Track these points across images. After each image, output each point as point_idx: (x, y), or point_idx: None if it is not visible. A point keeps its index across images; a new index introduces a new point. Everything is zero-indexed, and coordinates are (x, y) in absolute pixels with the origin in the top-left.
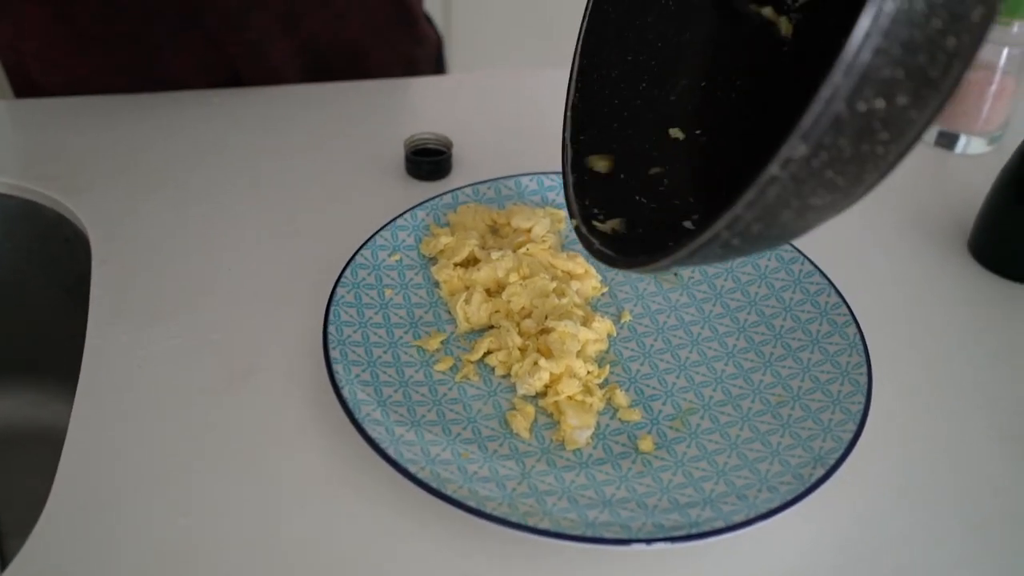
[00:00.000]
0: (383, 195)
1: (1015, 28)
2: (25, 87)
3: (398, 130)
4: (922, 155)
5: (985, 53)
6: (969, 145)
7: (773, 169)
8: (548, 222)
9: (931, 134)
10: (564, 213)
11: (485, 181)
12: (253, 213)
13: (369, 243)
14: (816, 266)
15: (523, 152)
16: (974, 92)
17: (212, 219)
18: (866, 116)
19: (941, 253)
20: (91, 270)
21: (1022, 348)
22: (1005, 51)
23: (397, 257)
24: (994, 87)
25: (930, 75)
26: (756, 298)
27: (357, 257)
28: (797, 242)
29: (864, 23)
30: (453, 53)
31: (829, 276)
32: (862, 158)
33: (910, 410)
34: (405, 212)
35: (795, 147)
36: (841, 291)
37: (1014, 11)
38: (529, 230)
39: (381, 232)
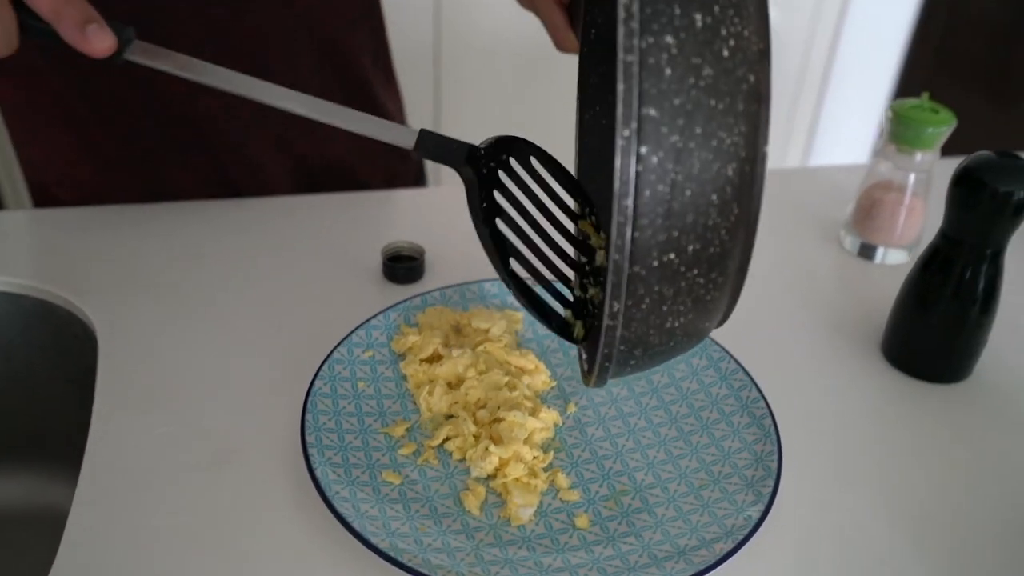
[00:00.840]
0: (362, 296)
1: (918, 157)
2: (44, 199)
3: (378, 237)
4: (845, 265)
5: (896, 177)
6: (887, 256)
7: (606, 320)
8: (505, 323)
9: (854, 245)
10: (520, 315)
11: (452, 286)
12: (243, 312)
13: (346, 341)
14: (740, 364)
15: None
16: (888, 210)
17: (206, 317)
18: (666, 265)
19: (857, 353)
20: (97, 363)
21: (920, 437)
22: (912, 176)
23: (370, 353)
24: (905, 206)
25: (708, 225)
26: (687, 392)
27: (335, 353)
28: (727, 344)
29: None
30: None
31: (753, 375)
32: (688, 290)
33: (817, 493)
34: (379, 313)
35: (612, 305)
36: (764, 388)
37: (915, 143)
38: (487, 330)
39: (357, 331)
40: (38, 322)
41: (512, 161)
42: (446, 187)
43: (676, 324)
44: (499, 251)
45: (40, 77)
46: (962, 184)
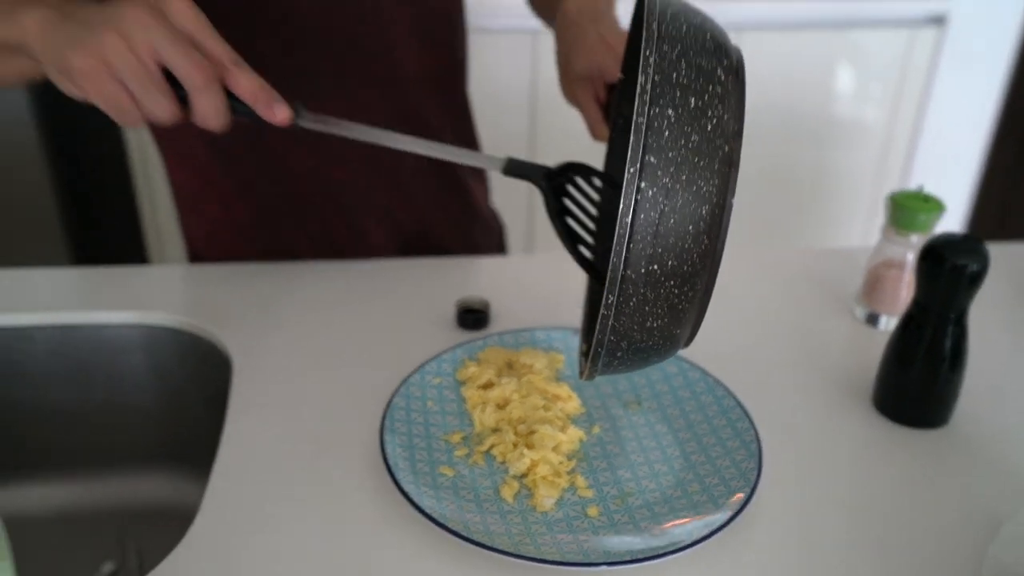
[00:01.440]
0: (437, 338)
1: (913, 239)
2: (195, 257)
3: (454, 293)
4: (854, 331)
5: (896, 256)
6: (889, 323)
7: (602, 310)
8: (547, 360)
9: (862, 314)
10: (562, 356)
11: (509, 331)
12: (344, 346)
13: (420, 369)
14: (741, 405)
15: (542, 312)
16: (890, 284)
17: (316, 350)
18: (651, 273)
19: (852, 403)
20: (231, 384)
21: (896, 472)
22: (909, 255)
23: (439, 380)
24: (905, 281)
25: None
26: (694, 423)
27: (411, 378)
28: (739, 392)
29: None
30: (533, 232)
31: (756, 414)
32: (666, 297)
33: (793, 506)
34: (448, 350)
35: (607, 297)
36: (764, 427)
37: (911, 226)
38: (532, 365)
39: (430, 362)
40: (188, 351)
41: (577, 178)
42: (511, 257)
43: (655, 325)
44: (570, 239)
45: (197, 160)
46: (927, 259)
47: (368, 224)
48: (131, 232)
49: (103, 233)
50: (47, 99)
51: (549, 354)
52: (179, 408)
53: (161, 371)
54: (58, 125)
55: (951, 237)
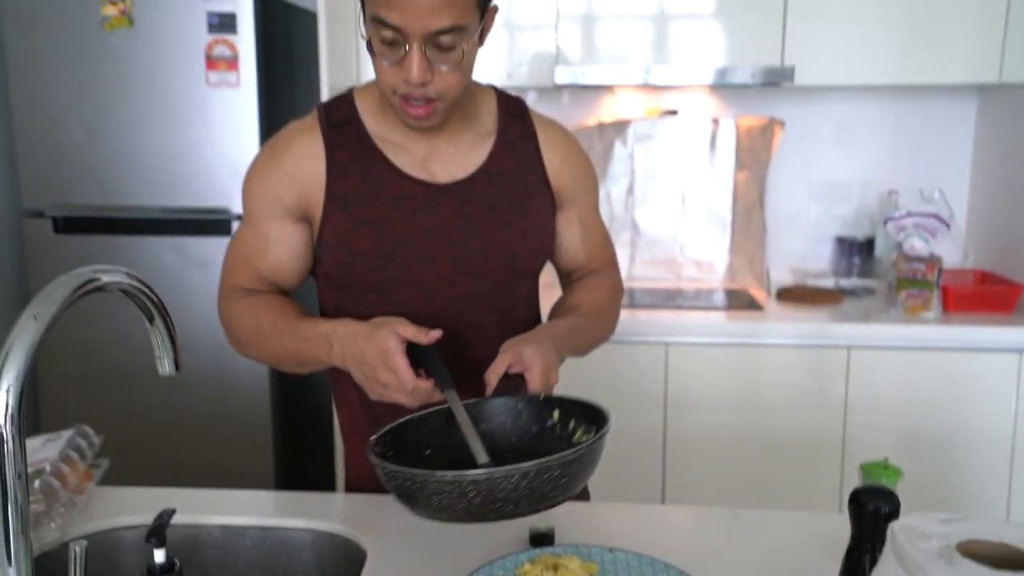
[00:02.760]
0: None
1: None
2: (351, 486)
3: (530, 522)
4: None
5: None
6: None
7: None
8: (579, 562)
9: None
10: (596, 565)
11: (560, 546)
12: (437, 550)
13: (489, 564)
14: None
15: (590, 536)
16: None
17: (428, 553)
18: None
19: None
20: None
21: None
22: None
23: (502, 573)
24: None
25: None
26: None
27: (480, 570)
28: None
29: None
30: None
31: None
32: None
33: None
34: (512, 554)
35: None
36: None
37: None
38: (569, 565)
39: (496, 561)
40: (329, 547)
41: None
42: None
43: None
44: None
45: (351, 403)
46: (851, 503)
47: None
48: (327, 462)
49: (304, 461)
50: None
51: (586, 563)
52: None
53: (320, 563)
54: (284, 382)
55: (870, 487)
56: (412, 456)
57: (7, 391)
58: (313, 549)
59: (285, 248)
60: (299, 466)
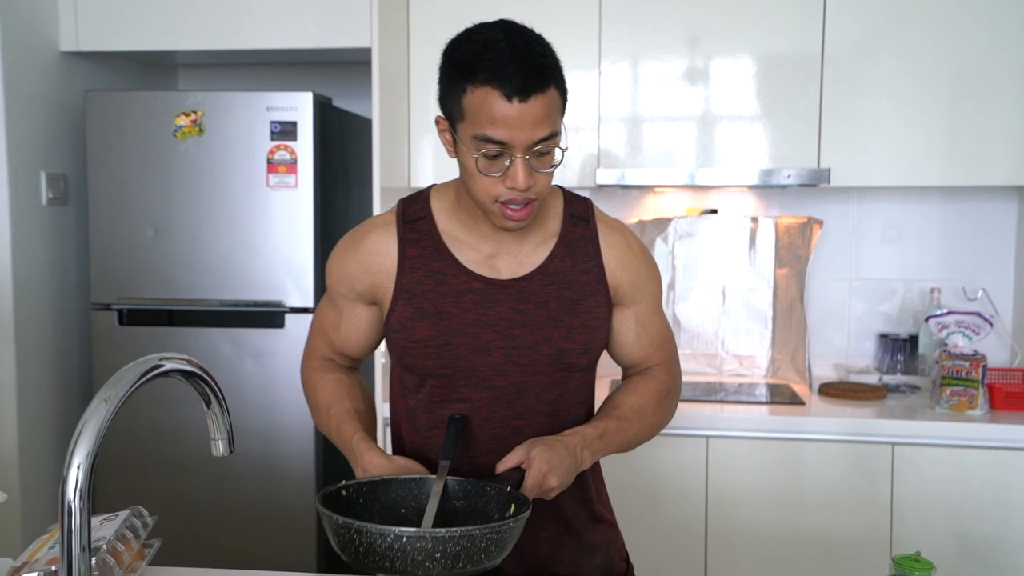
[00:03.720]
0: None
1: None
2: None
3: None
4: None
5: None
6: None
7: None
8: None
9: None
10: None
11: None
12: None
13: None
14: None
15: None
16: None
17: None
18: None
19: None
20: None
21: None
22: None
23: None
24: None
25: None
26: None
27: None
28: None
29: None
30: None
31: None
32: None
33: None
34: None
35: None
36: None
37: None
38: None
39: None
40: None
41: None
42: None
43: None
44: None
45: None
46: None
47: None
48: None
49: None
50: (328, 453)
51: None
52: None
53: None
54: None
55: None
56: (383, 511)
57: (78, 468)
58: None
59: (355, 326)
60: None
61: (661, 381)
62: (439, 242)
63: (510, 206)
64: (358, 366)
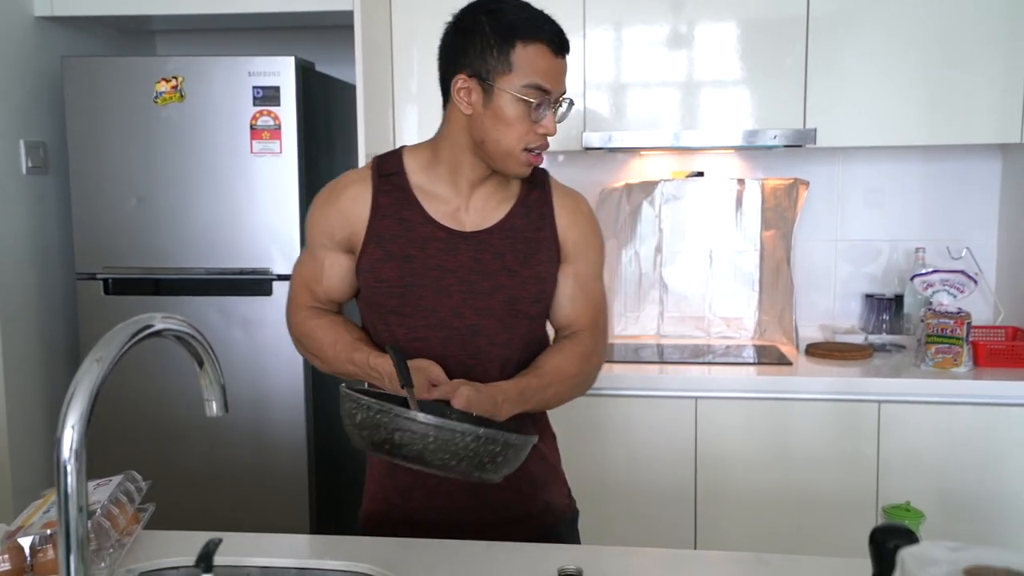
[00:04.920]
0: None
1: None
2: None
3: (558, 562)
4: None
5: None
6: None
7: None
8: None
9: None
10: None
11: None
12: None
13: None
14: None
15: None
16: None
17: None
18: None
19: None
20: None
21: None
22: None
23: None
24: None
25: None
26: None
27: None
28: None
29: None
30: None
31: None
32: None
33: None
34: None
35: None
36: None
37: None
38: None
39: None
40: None
41: None
42: (595, 549)
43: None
44: None
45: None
46: (871, 542)
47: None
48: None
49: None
50: (319, 419)
51: None
52: None
53: None
54: (320, 437)
55: (888, 525)
56: None
57: (72, 428)
58: None
59: (337, 275)
60: (333, 519)
61: (584, 345)
62: (410, 194)
63: (534, 152)
64: (341, 310)
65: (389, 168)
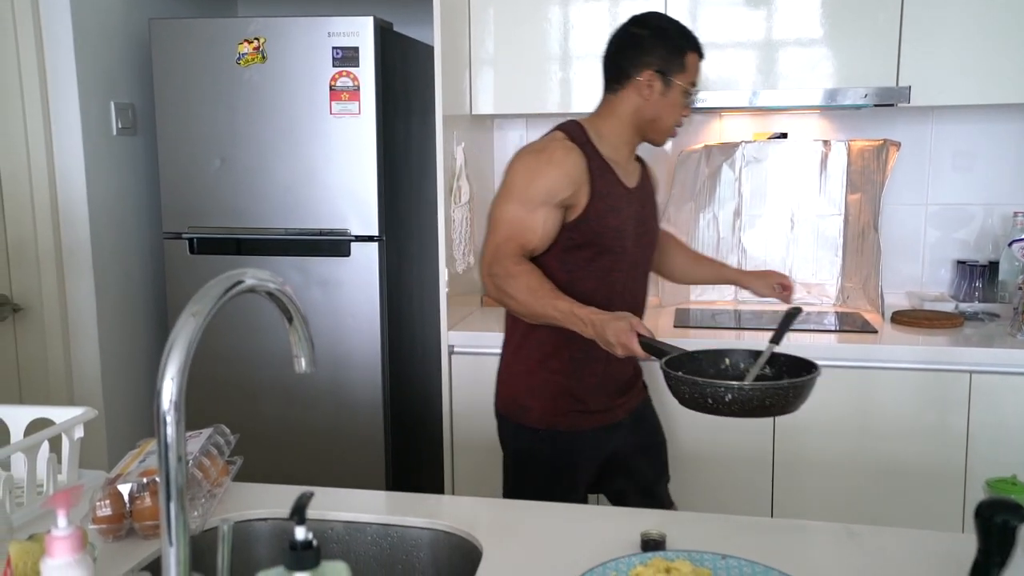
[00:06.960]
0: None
1: None
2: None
3: (643, 527)
4: None
5: None
6: None
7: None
8: (691, 567)
9: None
10: (709, 570)
11: (673, 551)
12: (542, 549)
13: (602, 565)
14: None
15: (700, 543)
16: None
17: (543, 552)
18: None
19: None
20: (478, 569)
21: None
22: None
23: (614, 574)
24: None
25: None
26: None
27: (595, 570)
28: None
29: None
30: None
31: None
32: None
33: None
34: (624, 557)
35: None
36: None
37: None
38: (682, 568)
39: (609, 563)
40: (445, 546)
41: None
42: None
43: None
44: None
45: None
46: (977, 516)
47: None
48: (437, 475)
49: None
50: (395, 380)
51: (698, 569)
52: None
53: (437, 561)
54: (397, 397)
55: (996, 499)
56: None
57: (171, 380)
58: (430, 547)
59: (552, 227)
60: (410, 478)
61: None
62: (604, 160)
63: (677, 128)
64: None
65: (581, 139)
